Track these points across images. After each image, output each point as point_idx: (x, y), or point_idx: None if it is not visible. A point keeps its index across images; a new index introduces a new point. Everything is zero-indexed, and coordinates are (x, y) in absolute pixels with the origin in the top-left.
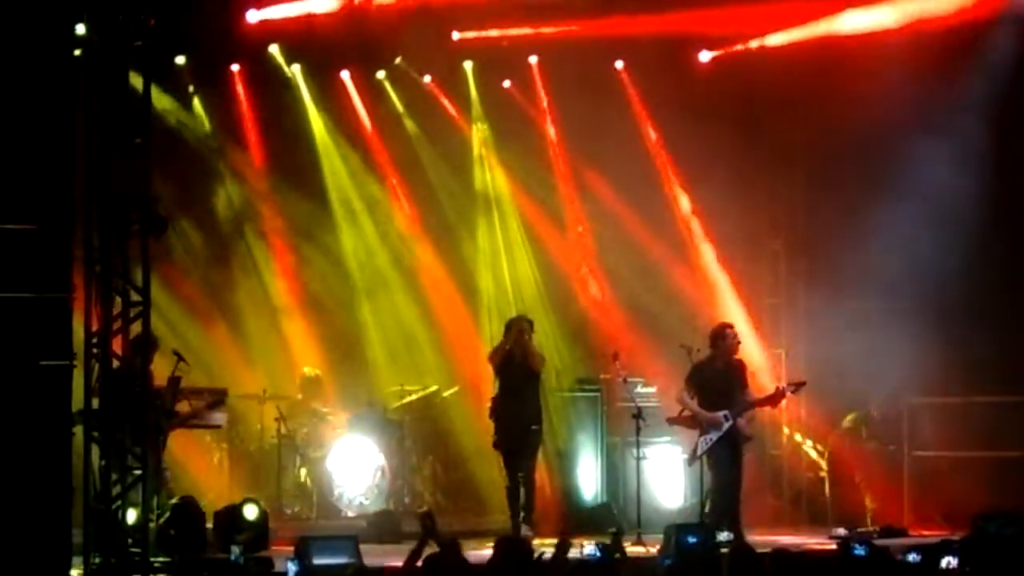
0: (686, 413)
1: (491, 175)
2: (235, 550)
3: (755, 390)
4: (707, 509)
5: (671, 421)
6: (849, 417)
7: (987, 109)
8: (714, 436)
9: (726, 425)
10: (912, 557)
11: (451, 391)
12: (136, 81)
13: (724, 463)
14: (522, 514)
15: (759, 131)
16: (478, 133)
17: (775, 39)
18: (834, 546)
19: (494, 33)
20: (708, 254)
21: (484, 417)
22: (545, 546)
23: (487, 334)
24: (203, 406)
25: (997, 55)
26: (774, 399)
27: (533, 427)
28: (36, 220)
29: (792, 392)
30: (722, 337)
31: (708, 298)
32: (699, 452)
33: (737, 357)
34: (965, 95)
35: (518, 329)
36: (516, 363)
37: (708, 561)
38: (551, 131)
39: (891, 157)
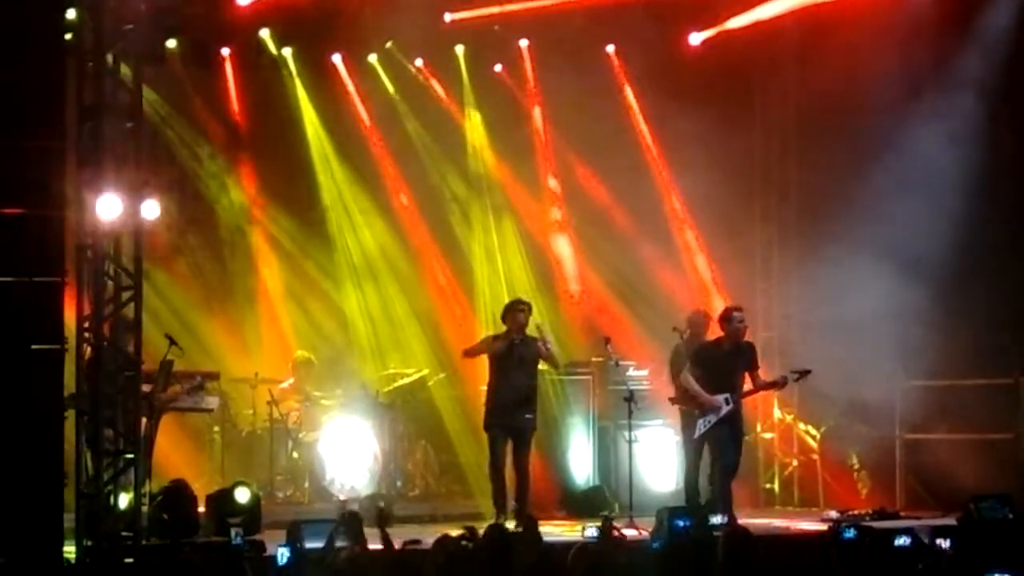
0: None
1: (483, 159)
2: (234, 532)
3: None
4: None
5: (673, 401)
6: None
7: (981, 81)
8: (712, 419)
9: (725, 409)
10: (903, 540)
11: (438, 377)
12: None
13: (724, 446)
14: (513, 504)
15: (751, 116)
16: (470, 117)
17: (763, 11)
18: (825, 528)
19: (492, 10)
20: (699, 239)
21: (476, 401)
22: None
23: (482, 316)
24: (182, 390)
25: (990, 24)
26: (776, 385)
27: (527, 416)
28: (28, 204)
29: (796, 380)
30: (727, 320)
31: (699, 283)
32: (696, 434)
33: (747, 340)
34: (958, 69)
35: (516, 313)
36: (514, 346)
37: (699, 544)
38: (540, 116)
39: (885, 141)
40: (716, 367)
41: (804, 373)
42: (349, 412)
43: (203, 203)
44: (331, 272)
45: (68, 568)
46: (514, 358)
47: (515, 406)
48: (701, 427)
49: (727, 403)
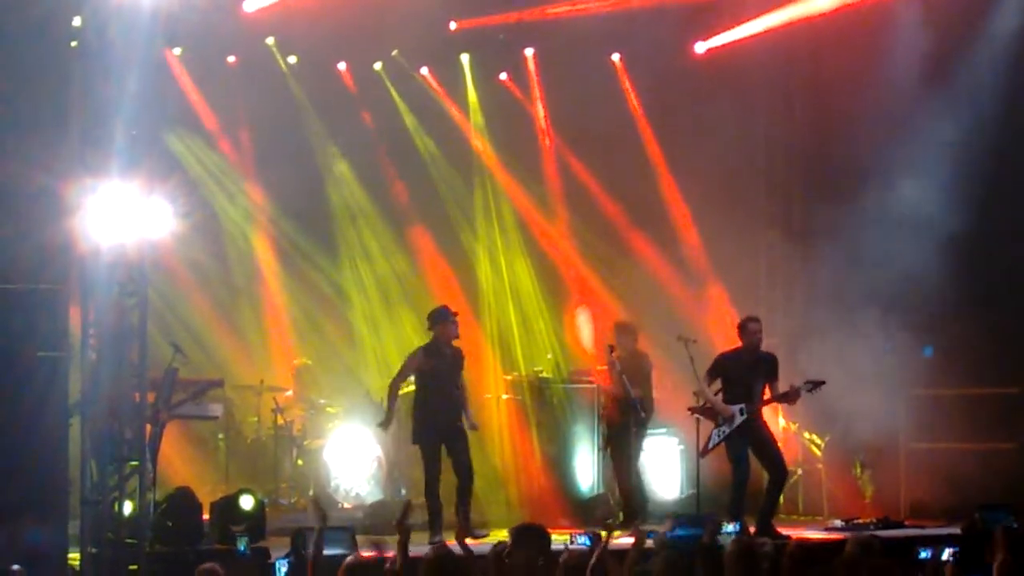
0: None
1: (488, 166)
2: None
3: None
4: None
5: (692, 410)
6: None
7: (985, 93)
8: (726, 429)
9: (739, 419)
10: (924, 554)
11: None
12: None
13: (740, 457)
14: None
15: (755, 124)
16: (475, 125)
17: (768, 21)
18: (840, 537)
19: (498, 19)
20: (702, 246)
21: (481, 408)
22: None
23: (486, 323)
24: (187, 397)
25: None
26: (789, 397)
27: (458, 424)
28: (33, 211)
29: (809, 391)
30: (743, 330)
31: (702, 291)
32: (711, 445)
33: (766, 351)
34: (963, 81)
35: (450, 325)
36: (445, 357)
37: (703, 552)
38: (545, 123)
39: (890, 149)
40: (733, 378)
41: (817, 384)
42: (353, 419)
43: (209, 210)
44: (336, 280)
45: (73, 575)
46: (446, 370)
47: (449, 417)
48: (715, 438)
49: (741, 413)
